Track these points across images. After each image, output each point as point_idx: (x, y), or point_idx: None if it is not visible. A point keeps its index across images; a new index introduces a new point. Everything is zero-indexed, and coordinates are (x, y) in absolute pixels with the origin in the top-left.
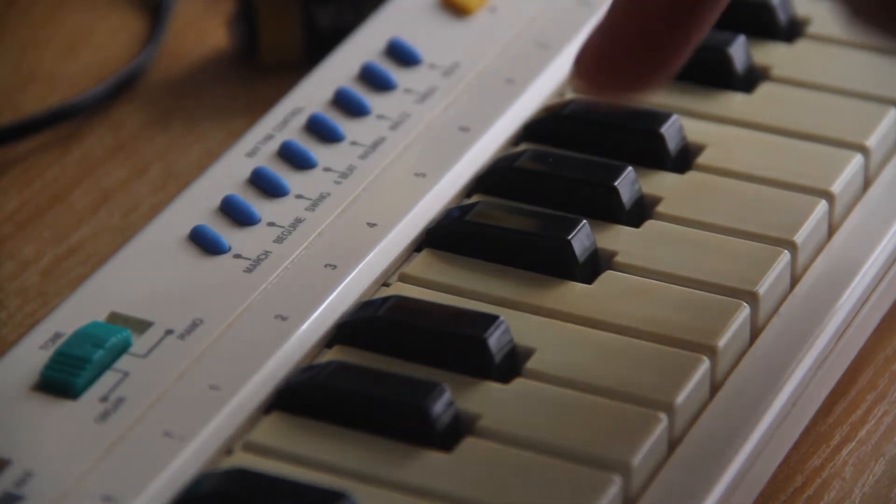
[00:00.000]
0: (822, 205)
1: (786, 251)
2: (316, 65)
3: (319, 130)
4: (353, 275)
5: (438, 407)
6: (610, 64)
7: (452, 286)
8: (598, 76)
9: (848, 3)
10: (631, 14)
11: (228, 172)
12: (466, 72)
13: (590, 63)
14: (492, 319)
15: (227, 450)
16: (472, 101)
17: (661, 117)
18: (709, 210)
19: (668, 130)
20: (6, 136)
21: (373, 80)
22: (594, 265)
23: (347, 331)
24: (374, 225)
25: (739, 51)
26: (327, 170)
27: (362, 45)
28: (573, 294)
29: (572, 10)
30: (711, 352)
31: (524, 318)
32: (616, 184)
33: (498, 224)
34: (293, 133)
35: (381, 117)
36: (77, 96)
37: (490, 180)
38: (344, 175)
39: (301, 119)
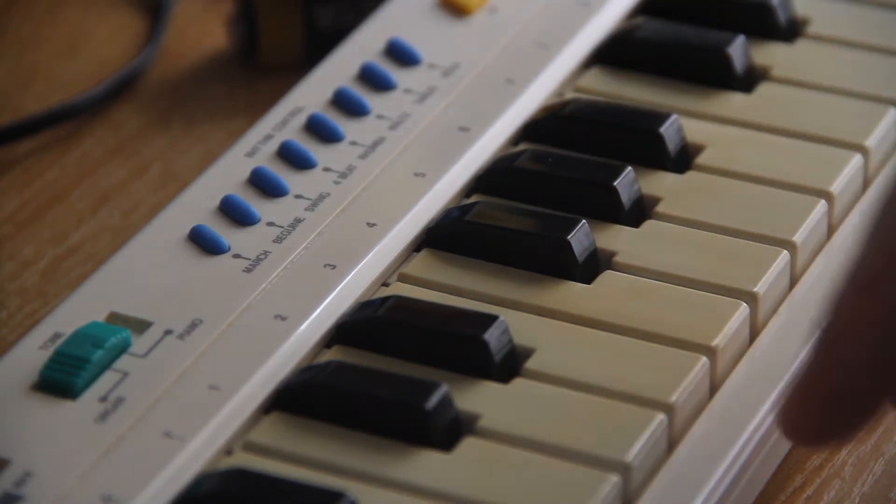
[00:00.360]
0: (822, 205)
1: (785, 251)
2: (316, 65)
3: (319, 130)
4: (352, 275)
5: (438, 407)
6: (816, 421)
7: (452, 286)
8: (804, 434)
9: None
10: (833, 369)
11: (228, 172)
12: (466, 72)
13: (795, 421)
14: (491, 319)
15: (227, 450)
16: (472, 101)
17: (661, 117)
18: (708, 210)
19: (667, 130)
20: (6, 137)
21: (372, 80)
22: (593, 265)
23: (347, 331)
24: (374, 225)
25: (739, 51)
26: (327, 170)
27: (362, 45)
28: (572, 294)
29: (572, 11)
30: (710, 351)
31: (524, 318)
32: (615, 184)
33: (497, 224)
34: (293, 133)
35: (380, 117)
36: (77, 96)
37: (489, 180)
38: (343, 175)
39: (301, 119)
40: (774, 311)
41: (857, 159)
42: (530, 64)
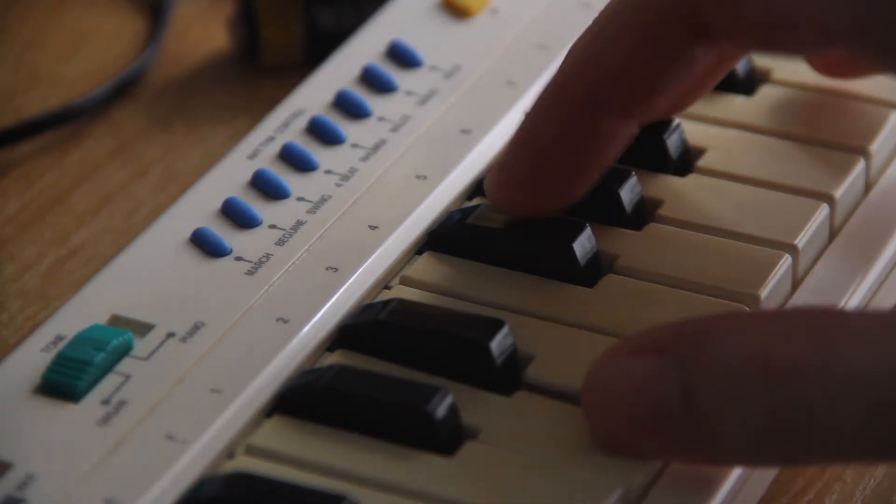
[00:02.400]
0: (824, 208)
1: (787, 255)
2: (317, 66)
3: (320, 133)
4: (354, 277)
5: (440, 410)
6: (512, 187)
7: (454, 289)
8: (501, 196)
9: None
10: (529, 143)
11: (229, 175)
12: (468, 74)
13: (495, 183)
14: (493, 323)
15: (229, 453)
16: (474, 103)
17: (662, 121)
18: (710, 213)
19: (669, 134)
20: (7, 138)
21: (374, 82)
22: (596, 268)
23: (349, 334)
24: (376, 227)
25: None
26: (328, 172)
27: (363, 47)
28: (575, 297)
29: (573, 12)
30: None
31: (526, 322)
32: (618, 187)
33: (499, 227)
34: (294, 135)
35: (382, 119)
36: (77, 98)
37: None
38: (345, 177)
39: (302, 121)
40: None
41: (859, 163)
42: (532, 66)
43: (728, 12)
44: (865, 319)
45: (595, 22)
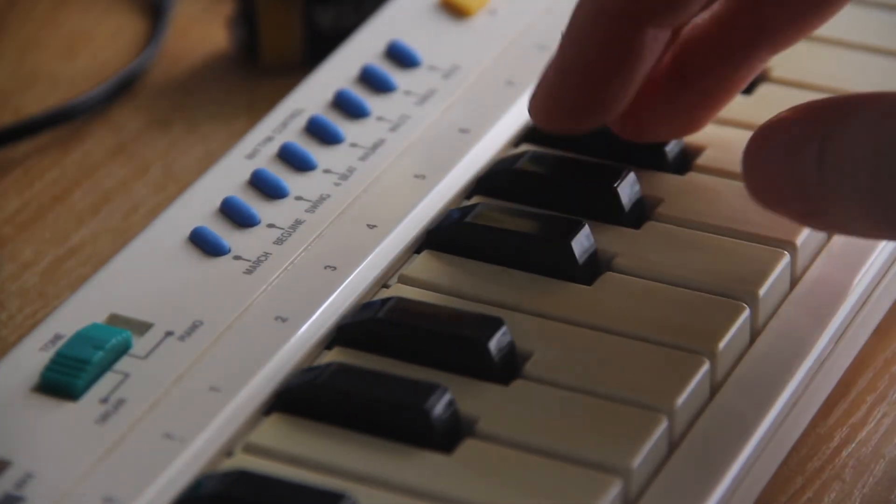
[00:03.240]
0: None
1: (786, 253)
2: (316, 66)
3: (319, 132)
4: (352, 276)
5: (439, 408)
6: (560, 106)
7: (452, 288)
8: (550, 117)
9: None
10: (571, 61)
11: (228, 174)
12: (466, 74)
13: (542, 106)
14: (492, 321)
15: (228, 451)
16: (472, 102)
17: None
18: (709, 211)
19: None
20: (6, 138)
21: (373, 81)
22: (594, 267)
23: (347, 332)
24: (374, 226)
25: None
26: (327, 171)
27: (362, 47)
28: (573, 296)
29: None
30: (712, 354)
31: (524, 320)
32: (616, 185)
33: (498, 226)
34: (293, 135)
35: (380, 119)
36: (77, 97)
37: (490, 182)
38: (344, 177)
39: (301, 121)
40: (775, 312)
41: None
42: (531, 66)
43: None
44: None
45: None
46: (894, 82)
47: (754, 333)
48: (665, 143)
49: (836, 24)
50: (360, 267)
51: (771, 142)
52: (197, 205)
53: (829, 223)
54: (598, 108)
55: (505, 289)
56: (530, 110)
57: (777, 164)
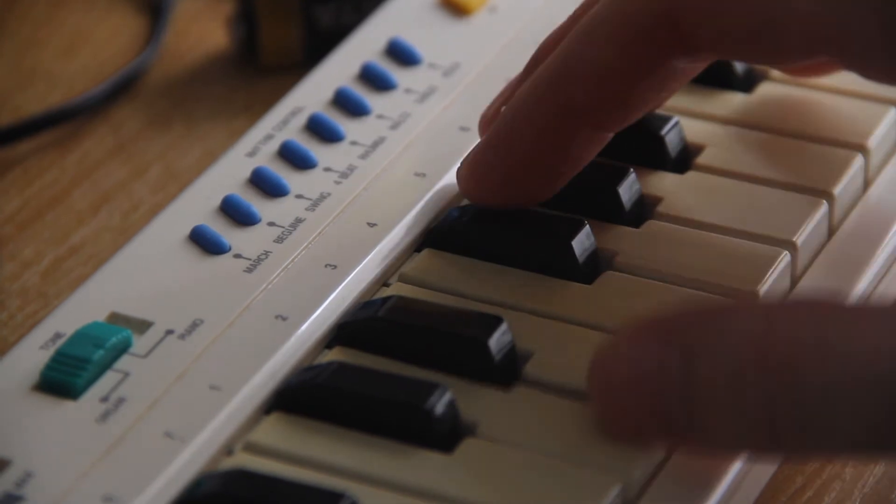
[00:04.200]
0: (823, 205)
1: (786, 251)
2: (316, 65)
3: (319, 130)
4: (353, 275)
5: (439, 407)
6: (485, 183)
7: (453, 287)
8: (473, 191)
9: None
10: (504, 144)
11: (229, 172)
12: (466, 72)
13: (468, 177)
14: (492, 320)
15: (228, 450)
16: (473, 100)
17: (662, 119)
18: (709, 210)
19: (668, 132)
20: (6, 137)
21: (373, 79)
22: (594, 266)
23: (348, 331)
24: (375, 225)
25: None
26: (327, 170)
27: (362, 45)
28: (573, 295)
29: (571, 10)
30: None
31: (524, 319)
32: (616, 185)
33: (498, 224)
34: (293, 133)
35: (381, 117)
36: (77, 97)
37: None
38: (344, 175)
39: (301, 119)
40: None
41: (857, 160)
42: None
43: (710, 25)
44: (866, 309)
45: (573, 37)
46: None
47: None
48: (666, 144)
49: None
50: (361, 265)
51: (620, 362)
52: (197, 203)
53: (703, 445)
54: (519, 193)
55: (505, 288)
56: (458, 179)
57: (630, 386)
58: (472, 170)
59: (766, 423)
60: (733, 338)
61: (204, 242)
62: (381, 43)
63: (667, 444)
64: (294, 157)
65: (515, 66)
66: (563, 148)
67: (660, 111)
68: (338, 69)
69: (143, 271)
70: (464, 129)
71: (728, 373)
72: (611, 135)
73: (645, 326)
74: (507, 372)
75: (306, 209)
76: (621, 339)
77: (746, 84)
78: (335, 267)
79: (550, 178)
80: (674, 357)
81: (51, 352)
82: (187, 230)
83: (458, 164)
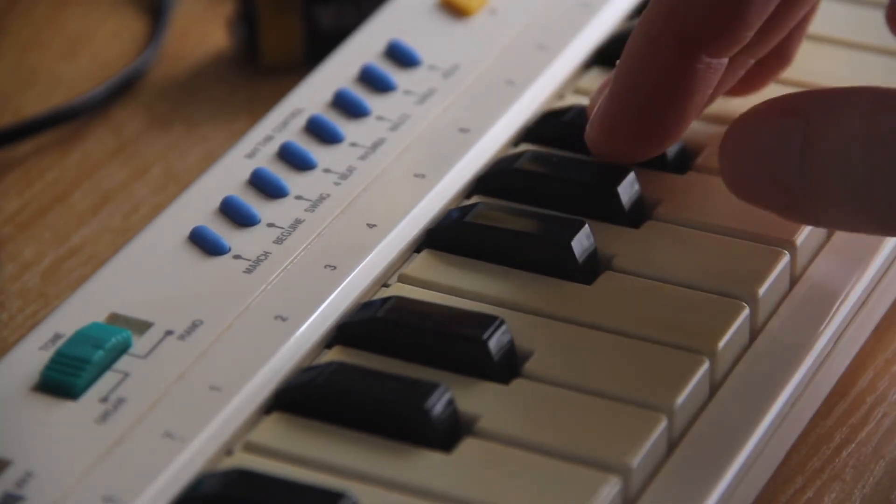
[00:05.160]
0: None
1: (786, 252)
2: (316, 66)
3: (319, 132)
4: (352, 276)
5: (438, 407)
6: (616, 135)
7: (452, 287)
8: (606, 146)
9: None
10: (627, 91)
11: (228, 173)
12: (466, 73)
13: (598, 134)
14: (491, 320)
15: (228, 450)
16: (472, 102)
17: None
18: (708, 211)
19: None
20: (7, 138)
21: (372, 81)
22: (594, 266)
23: (347, 331)
24: (374, 226)
25: None
26: (327, 171)
27: (362, 47)
28: (573, 295)
29: (572, 12)
30: (711, 353)
31: (524, 319)
32: (616, 185)
33: (498, 225)
34: (293, 134)
35: (380, 118)
36: (77, 98)
37: (490, 181)
38: (344, 176)
39: (301, 120)
40: (774, 311)
41: None
42: (530, 65)
43: None
44: None
45: None
46: (894, 82)
47: (754, 333)
48: None
49: (836, 24)
50: (360, 266)
51: (750, 132)
52: (197, 204)
53: (810, 216)
54: (652, 137)
55: (505, 288)
56: (587, 139)
57: (756, 156)
58: (603, 125)
59: (865, 193)
60: (846, 115)
61: (204, 243)
62: (380, 44)
63: (784, 214)
64: (294, 159)
65: (515, 67)
66: (685, 82)
67: None
68: (337, 70)
69: (143, 272)
70: (463, 130)
71: (838, 145)
72: (725, 63)
73: (771, 103)
74: (506, 372)
75: (306, 210)
76: (751, 114)
77: None
78: (335, 268)
79: (677, 118)
80: (794, 134)
81: (51, 352)
82: (187, 231)
83: (587, 128)
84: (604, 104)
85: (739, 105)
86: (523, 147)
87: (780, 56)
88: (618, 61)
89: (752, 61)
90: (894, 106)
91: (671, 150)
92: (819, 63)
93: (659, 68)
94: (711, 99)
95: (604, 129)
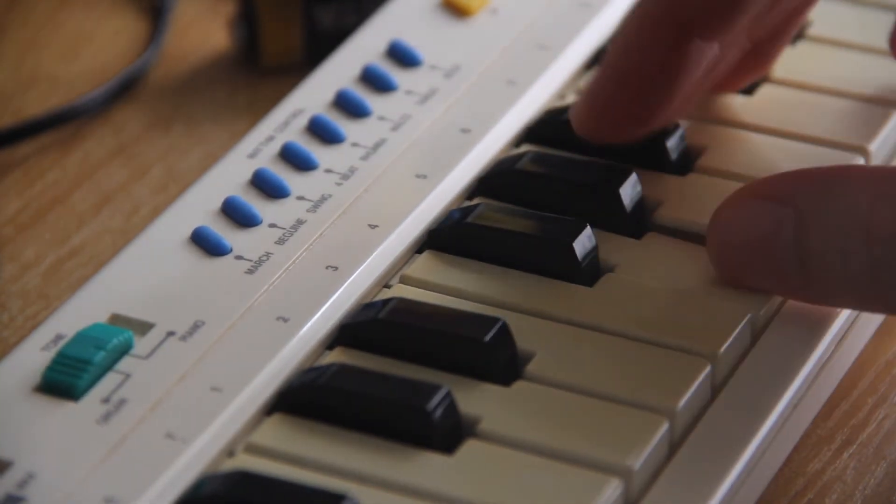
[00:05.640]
0: None
1: None
2: (317, 66)
3: (320, 132)
4: (354, 276)
5: (440, 409)
6: (601, 114)
7: (454, 288)
8: (590, 124)
9: None
10: (616, 70)
11: (230, 174)
12: (467, 73)
13: (584, 111)
14: (493, 321)
15: (229, 452)
16: (474, 102)
17: None
18: (710, 213)
19: (669, 134)
20: (7, 139)
21: (374, 81)
22: (595, 268)
23: (349, 332)
24: (376, 227)
25: None
26: (328, 171)
27: (363, 47)
28: (574, 297)
29: (573, 12)
30: (713, 356)
31: (525, 321)
32: (618, 187)
33: (499, 226)
34: (294, 134)
35: (382, 119)
36: (78, 98)
37: (491, 182)
38: (345, 176)
39: (302, 120)
40: (776, 313)
41: (859, 161)
42: (532, 65)
43: None
44: None
45: None
46: (894, 82)
47: (755, 335)
48: (666, 143)
49: (837, 24)
50: (362, 267)
51: (738, 221)
52: (198, 204)
53: (820, 301)
54: (637, 117)
55: (506, 289)
56: (572, 118)
57: (748, 245)
58: (590, 104)
59: (870, 284)
60: (841, 204)
61: (205, 244)
62: (382, 44)
63: (779, 295)
64: (295, 159)
65: (516, 67)
66: (676, 63)
67: None
68: (339, 71)
69: (145, 273)
70: (465, 130)
71: (836, 238)
72: (717, 49)
73: (758, 188)
74: (508, 374)
75: (307, 211)
76: (736, 200)
77: (748, 86)
78: (336, 268)
79: (664, 100)
80: (786, 224)
81: (52, 353)
82: (188, 231)
83: (571, 107)
84: (592, 82)
85: (741, 109)
86: (525, 148)
87: (761, 57)
88: (609, 41)
89: (737, 56)
90: (893, 193)
91: (674, 151)
92: (819, 63)
93: (651, 48)
94: (696, 91)
95: (589, 107)
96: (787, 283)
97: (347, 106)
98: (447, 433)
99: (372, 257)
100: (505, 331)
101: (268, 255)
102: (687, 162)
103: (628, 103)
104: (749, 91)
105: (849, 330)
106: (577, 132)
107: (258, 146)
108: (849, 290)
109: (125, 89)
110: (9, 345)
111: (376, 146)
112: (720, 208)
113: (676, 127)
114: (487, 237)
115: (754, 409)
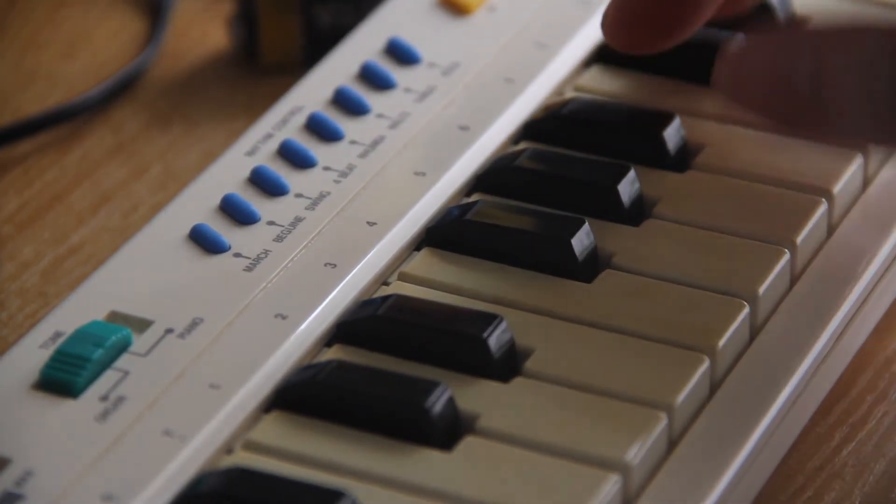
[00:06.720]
0: (823, 204)
1: (786, 250)
2: (315, 64)
3: (319, 129)
4: (352, 274)
5: (438, 405)
6: (631, 23)
7: (452, 285)
8: (620, 33)
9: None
10: None
11: (228, 171)
12: (466, 71)
13: (614, 21)
14: (491, 318)
15: (228, 449)
16: (472, 100)
17: (662, 118)
18: (708, 209)
19: (668, 130)
20: (6, 137)
21: (372, 79)
22: (594, 264)
23: (347, 330)
24: (374, 224)
25: None
26: (327, 169)
27: (362, 45)
28: (573, 293)
29: (571, 10)
30: (712, 351)
31: (524, 317)
32: (616, 183)
33: (498, 223)
34: (293, 132)
35: (380, 116)
36: (77, 97)
37: (490, 179)
38: (343, 174)
39: (301, 118)
40: (774, 310)
41: (857, 159)
42: (530, 63)
43: None
44: None
45: None
46: None
47: (754, 331)
48: (665, 142)
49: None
50: (360, 264)
51: (756, 51)
52: (197, 202)
53: (817, 130)
54: (668, 24)
55: (505, 286)
56: (602, 27)
57: (763, 73)
58: (618, 10)
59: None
60: (862, 36)
61: (204, 241)
62: (380, 42)
63: (793, 132)
64: (294, 157)
65: (515, 65)
66: None
67: (660, 109)
68: (337, 68)
69: (143, 270)
70: (463, 128)
71: (862, 63)
72: None
73: (776, 32)
74: (506, 370)
75: (306, 208)
76: (752, 39)
77: None
78: (335, 266)
79: (696, 7)
80: (806, 50)
81: (51, 351)
82: (187, 229)
83: (601, 16)
84: None
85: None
86: (523, 145)
87: None
88: None
89: None
90: None
91: (672, 147)
92: None
93: None
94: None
95: (619, 13)
96: (796, 113)
97: (346, 103)
98: (446, 430)
99: (370, 254)
100: (503, 328)
101: (266, 252)
102: (685, 159)
103: (659, 9)
104: None
105: (848, 326)
106: (606, 40)
107: (256, 144)
108: (864, 112)
109: (124, 88)
110: (8, 343)
111: (375, 143)
112: (728, 48)
113: (675, 123)
114: (486, 234)
115: (753, 405)
